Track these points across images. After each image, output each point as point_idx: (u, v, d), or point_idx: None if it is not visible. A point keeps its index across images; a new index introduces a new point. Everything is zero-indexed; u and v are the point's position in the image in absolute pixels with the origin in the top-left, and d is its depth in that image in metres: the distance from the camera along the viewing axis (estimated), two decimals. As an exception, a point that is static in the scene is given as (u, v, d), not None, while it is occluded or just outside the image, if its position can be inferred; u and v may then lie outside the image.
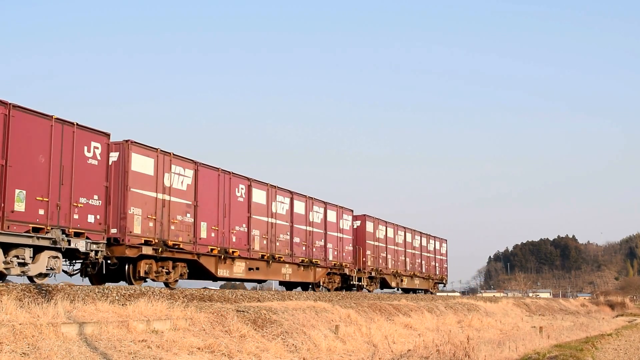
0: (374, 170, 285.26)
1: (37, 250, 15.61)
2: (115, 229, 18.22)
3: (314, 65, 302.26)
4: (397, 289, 41.20)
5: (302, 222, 28.03)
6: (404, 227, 41.24)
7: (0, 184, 14.57)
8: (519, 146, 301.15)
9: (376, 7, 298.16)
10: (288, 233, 26.83)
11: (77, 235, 16.56)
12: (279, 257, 25.85)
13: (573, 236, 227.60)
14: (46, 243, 15.66)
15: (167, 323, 12.62)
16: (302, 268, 28.02)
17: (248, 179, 24.33)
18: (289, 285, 30.10)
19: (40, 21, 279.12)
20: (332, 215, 30.88)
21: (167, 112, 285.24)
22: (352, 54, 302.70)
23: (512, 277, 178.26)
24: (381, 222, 37.28)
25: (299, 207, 27.92)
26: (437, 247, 48.42)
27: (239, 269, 23.49)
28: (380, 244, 36.84)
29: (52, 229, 15.73)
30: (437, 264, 47.86)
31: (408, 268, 41.28)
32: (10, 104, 14.93)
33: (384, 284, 38.36)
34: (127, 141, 18.66)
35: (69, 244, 16.27)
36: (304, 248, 27.98)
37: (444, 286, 52.98)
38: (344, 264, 31.66)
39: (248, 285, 50.05)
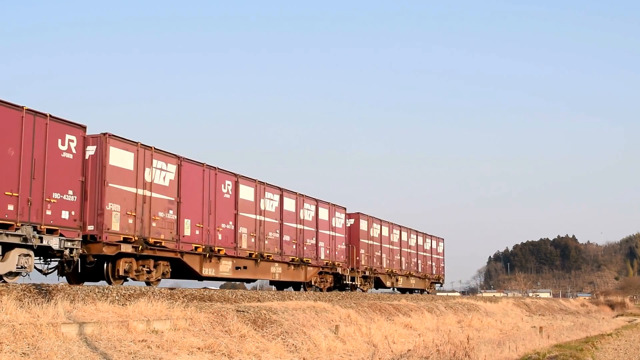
0: (374, 170, 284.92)
1: (7, 247, 14.90)
2: (92, 226, 17.48)
3: (314, 65, 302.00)
4: (393, 289, 40.41)
5: (292, 220, 27.27)
6: (399, 226, 40.46)
7: (-36, 178, 13.86)
8: (519, 146, 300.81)
9: (376, 7, 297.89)
10: (277, 231, 26.07)
11: (50, 232, 15.85)
12: (267, 256, 25.09)
13: (573, 236, 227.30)
14: (16, 240, 14.96)
15: (167, 323, 12.60)
16: (293, 267, 27.26)
17: (235, 174, 23.58)
18: (280, 285, 29.34)
19: (40, 21, 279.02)
20: (324, 213, 30.12)
21: (167, 112, 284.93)
22: (352, 54, 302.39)
23: (512, 277, 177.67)
24: (375, 221, 36.50)
25: (289, 204, 27.16)
26: (434, 246, 47.64)
27: (225, 268, 22.74)
28: (375, 243, 36.05)
29: (22, 225, 15.02)
30: (433, 264, 47.07)
31: (404, 267, 40.50)
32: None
33: (379, 284, 37.56)
34: (104, 134, 17.92)
35: (41, 242, 15.56)
36: (294, 246, 27.22)
37: (441, 286, 52.20)
38: (336, 263, 30.89)
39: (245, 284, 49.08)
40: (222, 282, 32.93)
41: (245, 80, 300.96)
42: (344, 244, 32.06)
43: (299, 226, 27.79)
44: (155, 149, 19.58)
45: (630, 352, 22.36)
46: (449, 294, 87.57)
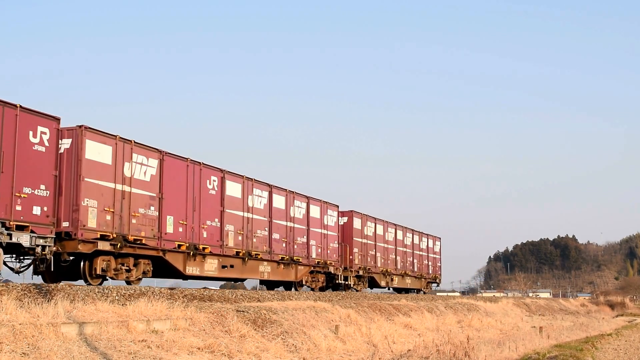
0: (374, 170, 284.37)
1: (-27, 244, 14.17)
2: (67, 223, 16.73)
3: (314, 65, 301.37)
4: (388, 288, 39.61)
5: (282, 218, 26.50)
6: (395, 224, 39.66)
7: None
8: (519, 146, 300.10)
9: (376, 7, 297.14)
10: (266, 229, 25.31)
11: (20, 228, 15.11)
12: (256, 254, 24.32)
13: (573, 236, 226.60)
14: (-18, 237, 14.22)
15: (167, 323, 12.59)
16: (282, 266, 26.49)
17: (221, 170, 22.81)
18: (270, 285, 28.58)
19: (40, 21, 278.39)
20: (315, 211, 29.34)
21: (167, 112, 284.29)
22: (352, 54, 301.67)
23: (512, 277, 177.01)
24: (370, 219, 35.71)
25: (279, 201, 26.39)
26: (430, 245, 46.84)
27: (210, 266, 21.98)
28: (369, 242, 35.26)
29: (-11, 221, 14.28)
30: (430, 263, 46.27)
31: (399, 267, 39.70)
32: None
33: (373, 283, 36.76)
34: (80, 127, 17.16)
35: (10, 238, 14.82)
36: (284, 245, 26.45)
37: (437, 285, 51.37)
38: (328, 262, 30.12)
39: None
40: (223, 282, 32.21)
41: (245, 80, 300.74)
42: (336, 242, 31.28)
43: (289, 224, 27.03)
44: (135, 142, 18.83)
45: (630, 352, 22.19)
46: (449, 294, 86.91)
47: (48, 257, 15.91)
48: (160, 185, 19.67)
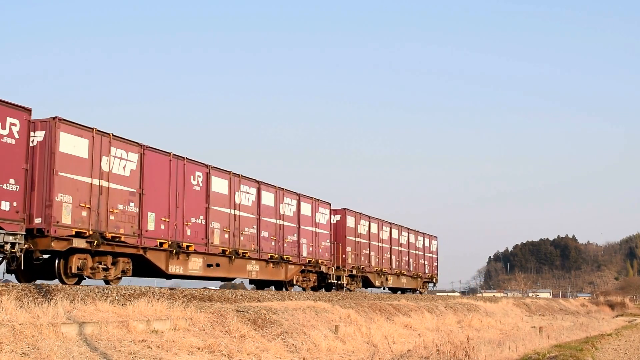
0: (374, 170, 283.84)
1: None
2: (40, 219, 15.93)
3: (314, 65, 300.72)
4: (383, 288, 38.84)
5: (271, 215, 25.74)
6: (389, 223, 38.89)
7: None
8: (519, 146, 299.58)
9: (375, 7, 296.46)
10: (254, 226, 24.55)
11: (-13, 224, 14.36)
12: (243, 253, 23.56)
13: (573, 236, 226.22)
14: (-55, 233, 13.48)
15: (167, 323, 12.58)
16: (272, 265, 25.73)
17: (206, 165, 22.06)
18: (259, 284, 27.83)
19: (41, 21, 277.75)
20: (306, 208, 28.58)
21: (167, 112, 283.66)
22: (352, 54, 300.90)
23: (512, 277, 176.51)
24: (364, 217, 34.94)
25: (268, 198, 25.63)
26: (427, 244, 46.06)
27: (195, 265, 21.23)
28: (363, 240, 34.49)
29: (-47, 216, 13.54)
30: (426, 262, 45.50)
31: (394, 266, 38.92)
32: None
33: (367, 283, 35.99)
34: (54, 118, 16.38)
35: (-24, 235, 14.07)
36: (273, 243, 25.69)
37: (434, 285, 50.60)
38: (320, 260, 29.35)
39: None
40: (221, 283, 31.51)
41: (245, 80, 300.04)
42: (328, 241, 30.52)
43: (279, 222, 26.27)
44: (113, 135, 18.08)
45: (630, 352, 22.10)
46: (449, 294, 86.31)
47: (18, 254, 15.14)
48: (140, 180, 18.91)
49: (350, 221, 33.12)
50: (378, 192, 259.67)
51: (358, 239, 33.82)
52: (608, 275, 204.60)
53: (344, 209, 32.91)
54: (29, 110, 15.50)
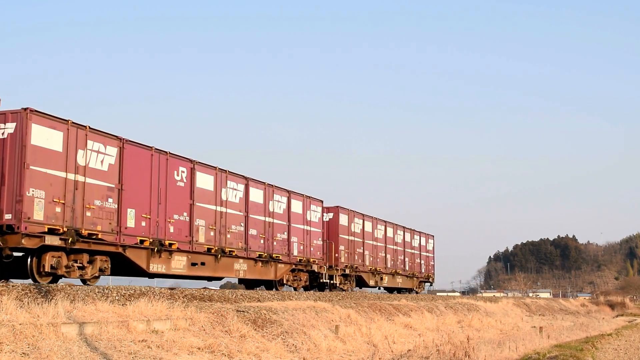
0: (374, 170, 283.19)
1: None
2: (10, 215, 15.17)
3: (314, 65, 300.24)
4: (378, 288, 38.06)
5: (260, 212, 24.97)
6: (384, 221, 38.10)
7: None
8: (519, 146, 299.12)
9: (376, 7, 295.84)
10: (242, 224, 23.78)
11: (-49, 220, 13.62)
12: (230, 251, 22.78)
13: (573, 236, 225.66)
14: None
15: (167, 323, 12.59)
16: (261, 264, 24.96)
17: (191, 160, 21.29)
18: (249, 284, 27.06)
19: (41, 21, 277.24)
20: (297, 206, 27.82)
21: (167, 112, 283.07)
22: (352, 54, 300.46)
23: (512, 277, 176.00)
24: (357, 215, 34.16)
25: (256, 195, 24.87)
26: (423, 243, 45.29)
27: (178, 264, 20.46)
28: (356, 239, 33.72)
29: None
30: (422, 262, 44.72)
31: (389, 265, 38.14)
32: None
33: (361, 282, 35.19)
34: (25, 109, 15.59)
35: (-61, 231, 13.34)
36: (262, 241, 24.92)
37: (431, 285, 49.84)
38: (311, 259, 28.58)
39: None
40: (223, 282, 30.73)
41: (245, 80, 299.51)
42: (320, 239, 29.75)
43: (268, 219, 25.50)
44: (90, 128, 17.30)
45: (630, 352, 22.05)
46: (449, 294, 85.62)
47: (-14, 252, 14.41)
48: (120, 175, 18.15)
49: (343, 219, 32.37)
50: (378, 192, 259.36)
51: (351, 238, 33.05)
52: (608, 275, 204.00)
53: (337, 206, 32.16)
54: (-3, 101, 14.76)
